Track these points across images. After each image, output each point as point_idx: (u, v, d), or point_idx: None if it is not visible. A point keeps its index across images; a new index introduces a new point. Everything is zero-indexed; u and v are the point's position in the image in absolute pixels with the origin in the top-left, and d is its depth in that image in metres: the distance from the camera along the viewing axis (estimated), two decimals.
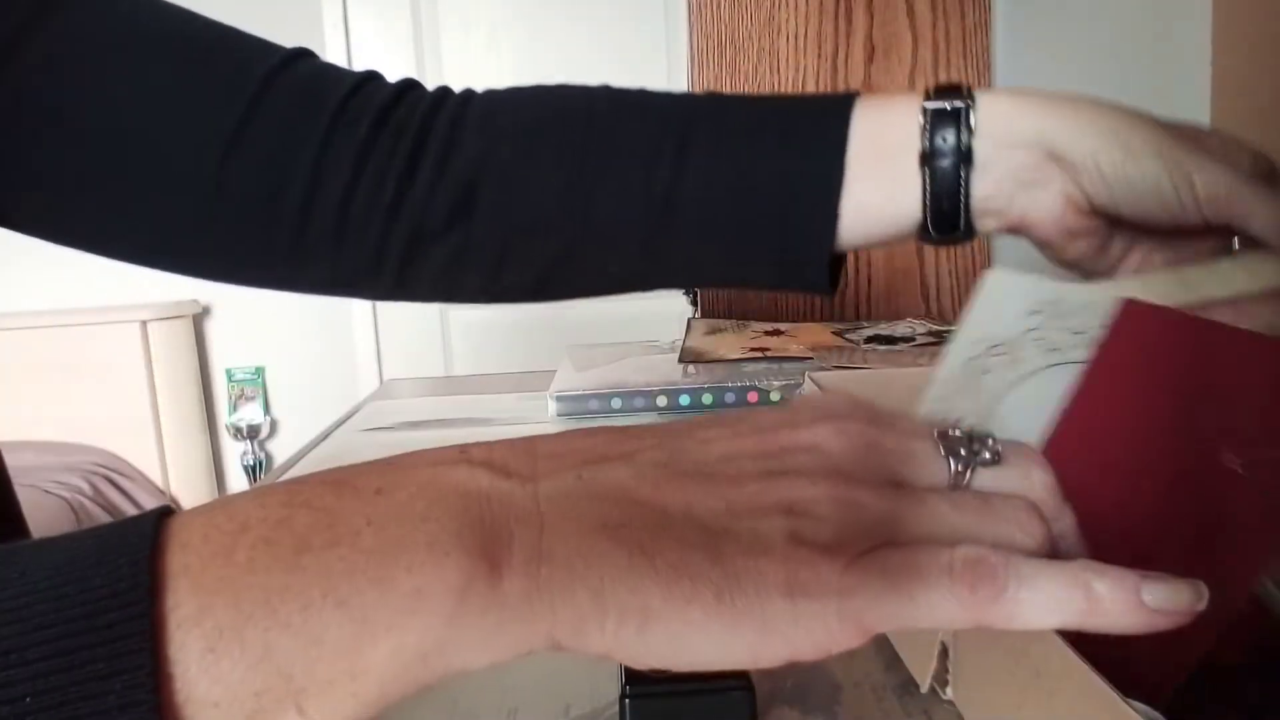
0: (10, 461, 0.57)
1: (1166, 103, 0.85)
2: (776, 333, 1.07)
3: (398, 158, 0.49)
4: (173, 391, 2.59)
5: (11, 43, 0.45)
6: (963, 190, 0.45)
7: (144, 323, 2.51)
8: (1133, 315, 0.33)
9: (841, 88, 1.27)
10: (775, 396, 0.87)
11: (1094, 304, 0.35)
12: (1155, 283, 0.40)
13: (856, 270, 1.29)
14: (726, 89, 1.27)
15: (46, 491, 2.19)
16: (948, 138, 0.44)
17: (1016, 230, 0.46)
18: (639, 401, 0.89)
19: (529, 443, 0.28)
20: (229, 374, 2.74)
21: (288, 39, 0.52)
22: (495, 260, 0.51)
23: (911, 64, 1.26)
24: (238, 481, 2.80)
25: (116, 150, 0.47)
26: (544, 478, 0.27)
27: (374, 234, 0.50)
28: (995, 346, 0.37)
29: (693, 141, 0.48)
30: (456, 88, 0.53)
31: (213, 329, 2.74)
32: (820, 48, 1.25)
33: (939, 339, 1.01)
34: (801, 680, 0.43)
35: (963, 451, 0.29)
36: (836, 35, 1.25)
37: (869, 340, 1.02)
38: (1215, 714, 0.31)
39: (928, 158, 0.45)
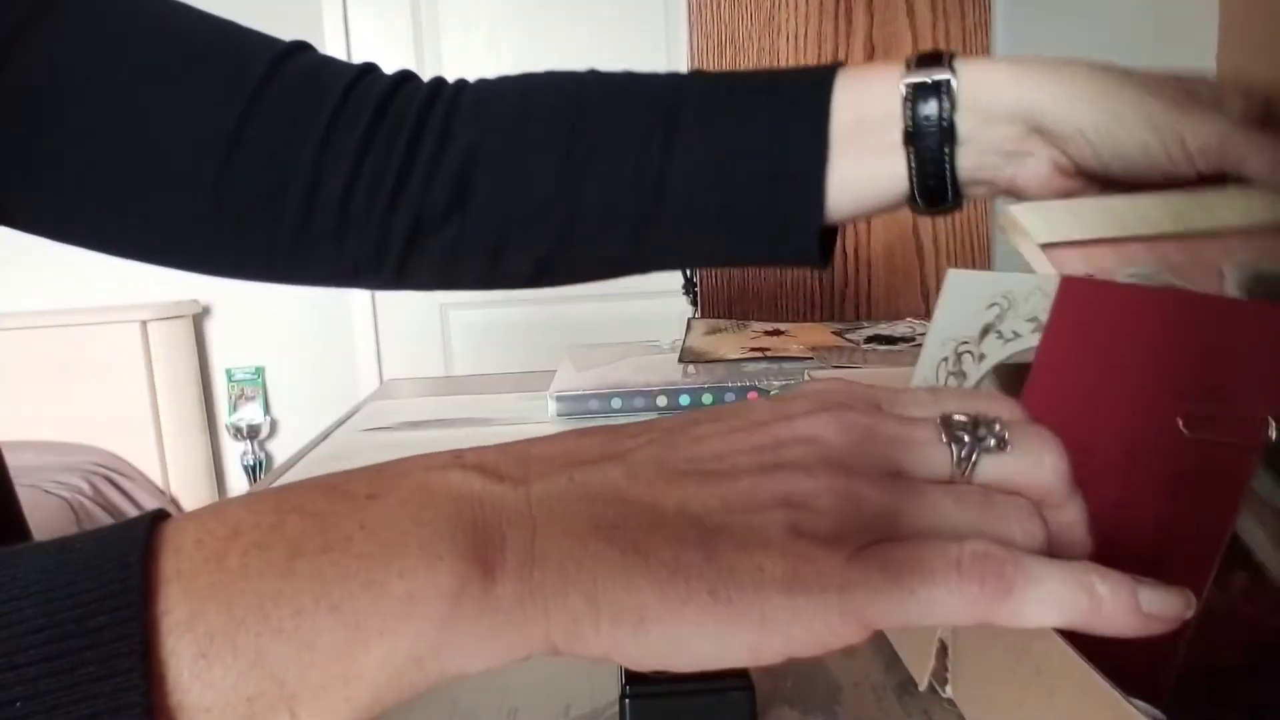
0: (10, 461, 0.57)
1: None
2: (776, 333, 1.07)
3: (396, 152, 0.49)
4: (173, 391, 2.59)
5: (11, 41, 0.45)
6: (948, 166, 0.45)
7: (144, 323, 2.51)
8: (1072, 289, 0.33)
9: None
10: None
11: (1042, 289, 0.35)
12: (1143, 204, 0.40)
13: (856, 270, 1.29)
14: None
15: (46, 491, 2.19)
16: (930, 114, 0.44)
17: (1007, 194, 0.47)
18: (639, 401, 0.89)
19: (522, 446, 0.28)
20: (229, 374, 2.74)
21: (288, 39, 0.52)
22: (493, 249, 0.51)
23: None
24: (238, 481, 2.80)
25: (117, 148, 0.47)
26: (536, 480, 0.26)
27: (374, 228, 0.50)
28: (961, 344, 0.37)
29: (680, 124, 0.48)
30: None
31: (213, 329, 2.74)
32: (820, 48, 1.25)
33: None
34: (801, 680, 0.43)
35: (966, 438, 0.27)
36: (836, 35, 1.25)
37: (869, 340, 1.02)
38: (1215, 714, 0.31)
39: (911, 136, 0.45)
